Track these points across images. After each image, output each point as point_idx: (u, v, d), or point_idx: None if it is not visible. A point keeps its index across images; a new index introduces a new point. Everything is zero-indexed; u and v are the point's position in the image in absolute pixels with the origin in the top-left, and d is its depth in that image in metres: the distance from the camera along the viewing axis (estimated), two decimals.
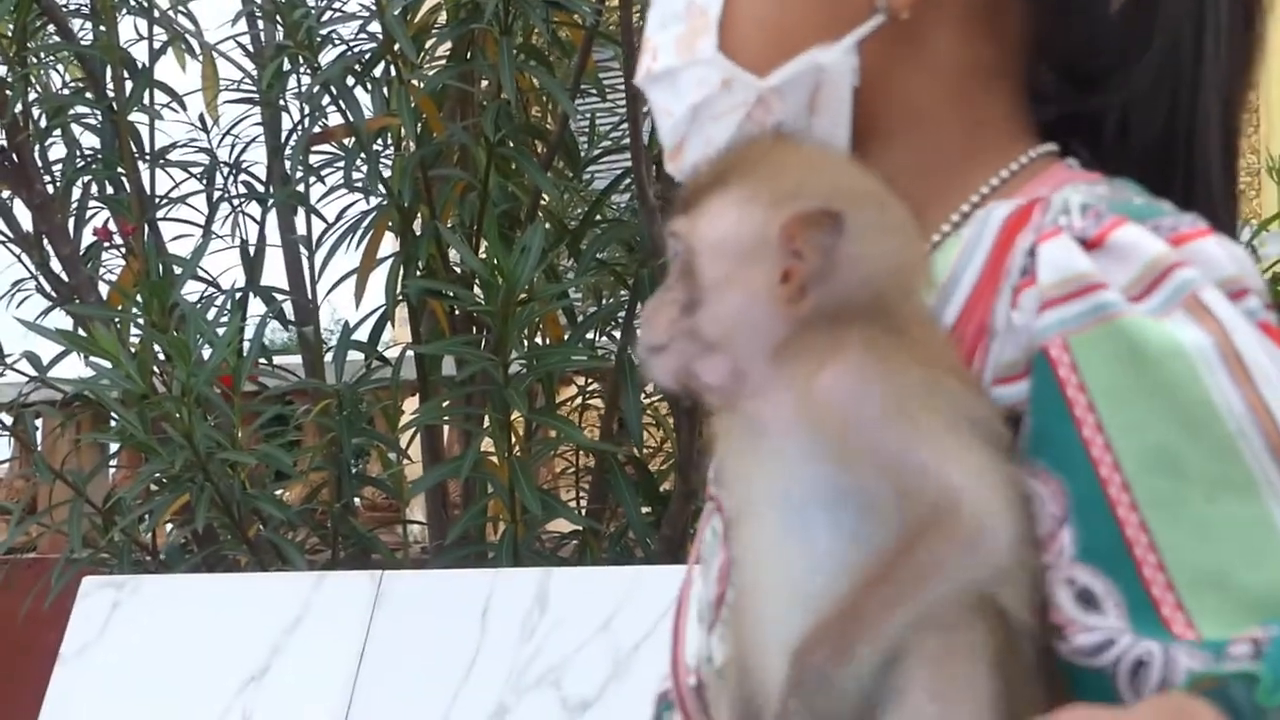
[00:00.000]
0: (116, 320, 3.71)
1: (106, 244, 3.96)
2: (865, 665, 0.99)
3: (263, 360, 4.03)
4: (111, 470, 4.46)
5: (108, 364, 3.32)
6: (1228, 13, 1.27)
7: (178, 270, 3.71)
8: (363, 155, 3.72)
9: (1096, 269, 1.10)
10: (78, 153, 3.98)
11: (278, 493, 3.89)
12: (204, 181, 4.11)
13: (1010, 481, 1.03)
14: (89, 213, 4.04)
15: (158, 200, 4.02)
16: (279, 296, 4.08)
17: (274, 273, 4.21)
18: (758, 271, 1.06)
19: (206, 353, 3.39)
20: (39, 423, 4.40)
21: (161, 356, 3.56)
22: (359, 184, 3.88)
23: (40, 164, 3.98)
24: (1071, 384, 1.08)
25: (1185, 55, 1.27)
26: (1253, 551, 1.03)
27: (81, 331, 3.65)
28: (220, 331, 3.41)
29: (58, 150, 4.03)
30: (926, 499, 1.00)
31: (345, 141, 3.91)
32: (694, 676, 1.36)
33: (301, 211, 4.09)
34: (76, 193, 4.03)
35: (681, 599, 1.44)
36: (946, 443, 1.01)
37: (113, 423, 3.72)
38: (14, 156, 3.87)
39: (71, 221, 4.01)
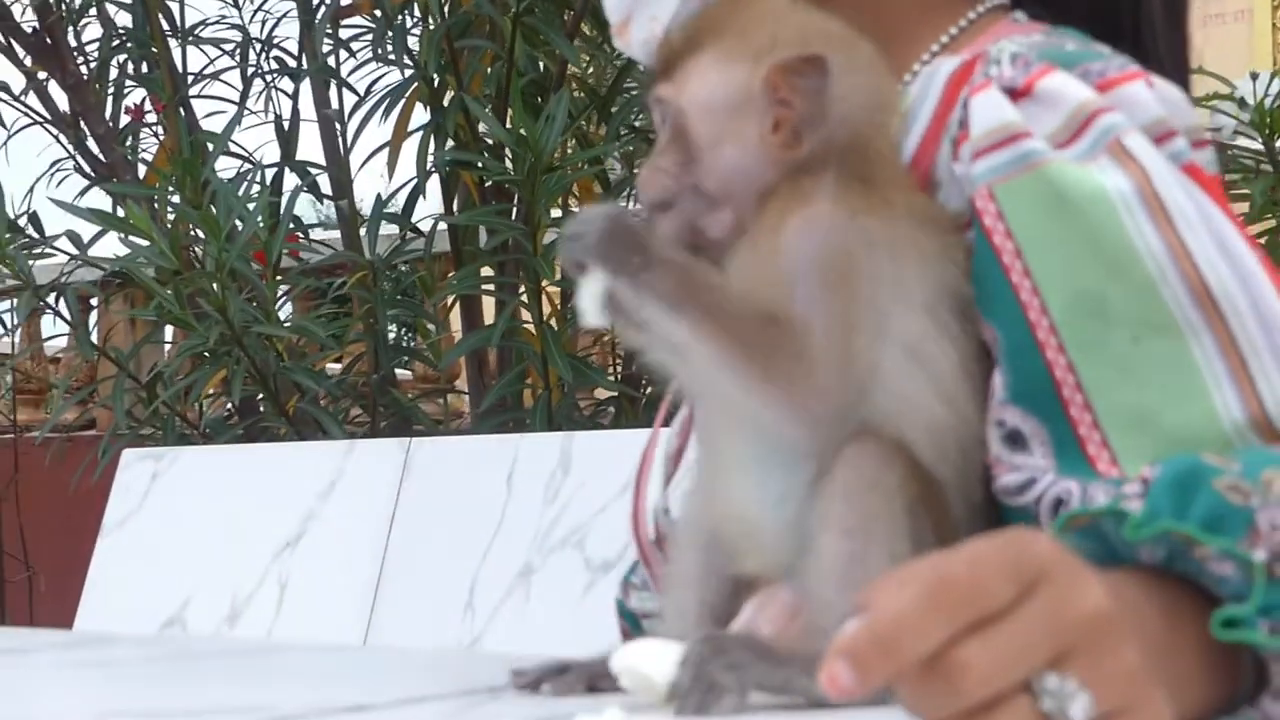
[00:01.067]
0: (154, 198, 3.76)
1: (141, 122, 4.00)
2: (626, 269, 1.06)
3: (300, 235, 4.07)
4: (167, 347, 4.53)
5: (143, 242, 3.37)
6: None
7: (210, 147, 3.74)
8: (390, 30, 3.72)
9: (1021, 118, 1.12)
10: (112, 32, 4.00)
11: (318, 365, 3.94)
12: (236, 58, 4.13)
13: (915, 349, 1.09)
14: (126, 91, 4.07)
15: (189, 78, 4.05)
16: (314, 171, 4.10)
17: (308, 149, 4.24)
18: (749, 124, 1.12)
19: (241, 227, 3.42)
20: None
21: (198, 233, 3.61)
22: (389, 56, 3.88)
23: (74, 44, 4.01)
24: (998, 231, 1.10)
25: None
26: (1175, 391, 1.05)
27: (120, 210, 3.70)
28: (252, 206, 3.44)
29: (91, 30, 4.07)
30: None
31: (376, 14, 3.91)
32: (653, 530, 1.38)
33: (334, 86, 4.10)
34: (113, 72, 4.06)
35: (645, 457, 1.46)
36: (841, 311, 1.07)
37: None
38: (47, 38, 3.90)
39: (109, 101, 4.05)
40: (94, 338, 4.06)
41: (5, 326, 4.88)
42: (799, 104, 1.12)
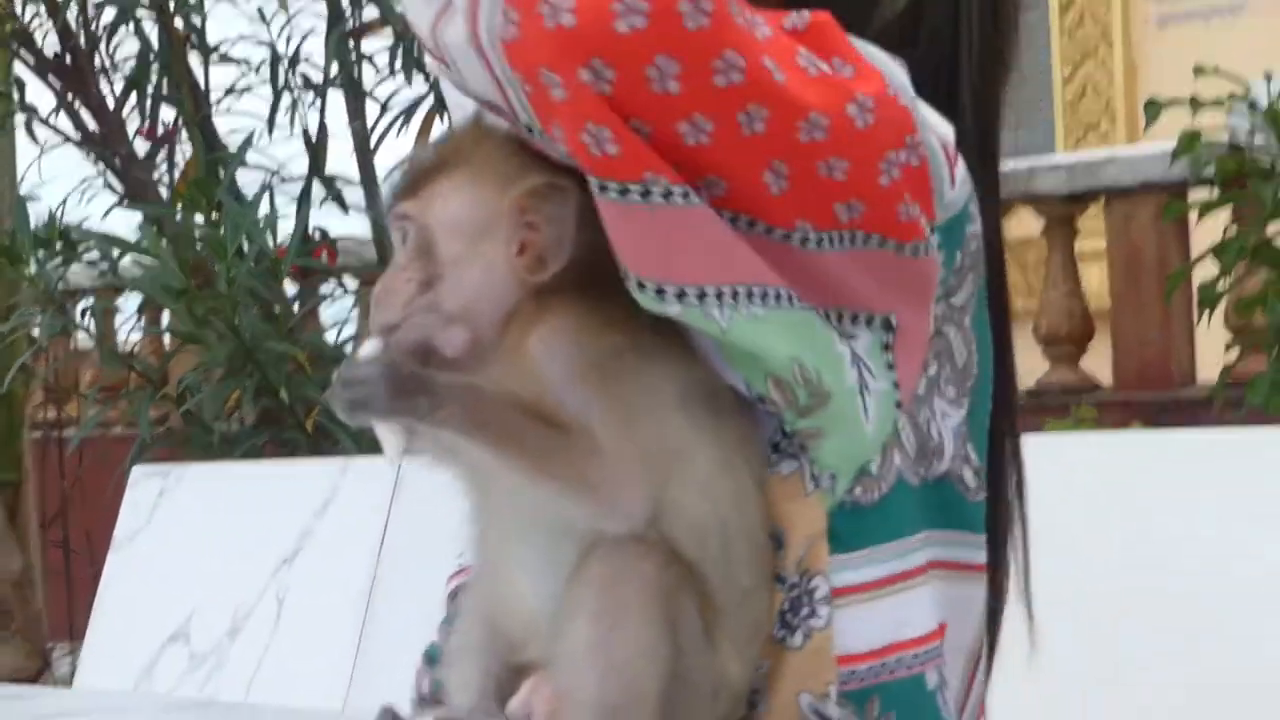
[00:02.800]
0: (178, 215, 3.85)
1: (159, 142, 4.08)
2: (416, 413, 1.08)
3: (329, 247, 4.14)
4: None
5: (153, 260, 3.45)
6: None
7: (223, 168, 3.82)
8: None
9: None
10: (137, 53, 4.09)
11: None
12: (258, 73, 4.20)
13: (672, 449, 1.12)
14: (149, 111, 4.15)
15: (211, 95, 4.13)
16: (340, 184, 4.17)
17: (336, 162, 4.31)
18: (494, 245, 1.14)
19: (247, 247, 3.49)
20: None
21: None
22: (405, 69, 3.95)
23: (101, 65, 4.10)
24: None
25: None
26: None
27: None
28: (260, 221, 3.51)
29: (119, 50, 4.15)
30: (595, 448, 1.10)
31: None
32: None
33: (356, 99, 4.17)
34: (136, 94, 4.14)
35: None
36: (611, 410, 1.10)
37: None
38: (69, 60, 3.99)
39: (135, 122, 4.13)
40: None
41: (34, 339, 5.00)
42: (545, 229, 1.14)
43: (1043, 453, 1.62)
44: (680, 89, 1.06)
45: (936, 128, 1.23)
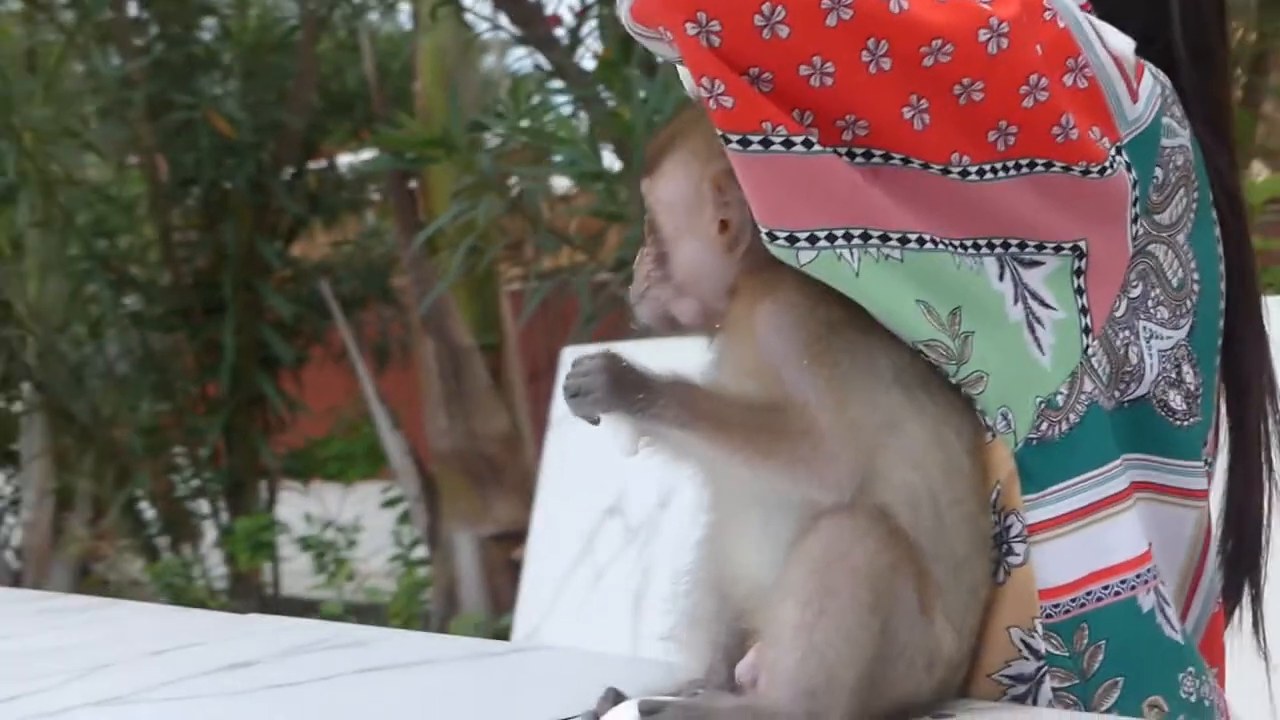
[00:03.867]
0: (602, 96, 3.92)
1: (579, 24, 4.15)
2: (633, 408, 1.15)
3: None
4: None
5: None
6: None
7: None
8: None
9: None
10: None
11: None
12: None
13: (885, 422, 1.16)
14: None
15: None
16: None
17: None
18: (701, 222, 1.21)
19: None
20: None
21: None
22: None
23: None
24: None
25: None
26: None
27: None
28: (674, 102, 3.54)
29: None
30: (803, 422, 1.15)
31: None
32: None
33: None
34: None
35: None
36: (828, 386, 1.15)
37: None
38: None
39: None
40: None
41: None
42: (738, 207, 1.18)
43: None
44: (791, 33, 1.06)
45: (1111, 43, 1.20)
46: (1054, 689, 1.22)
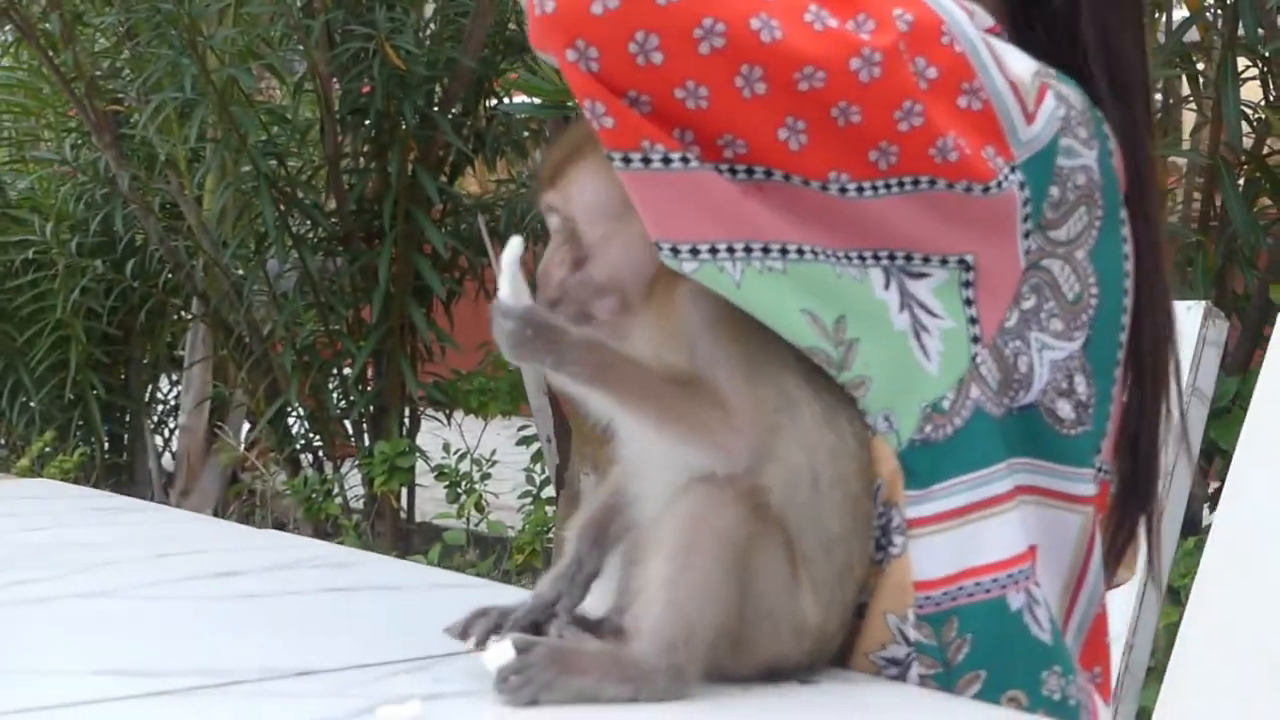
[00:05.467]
0: None
1: None
2: (546, 362, 1.21)
3: None
4: None
5: None
6: None
7: None
8: None
9: None
10: None
11: None
12: None
13: (784, 402, 1.23)
14: None
15: None
16: None
17: None
18: (629, 224, 1.24)
19: None
20: None
21: None
22: None
23: None
24: None
25: None
26: None
27: None
28: None
29: None
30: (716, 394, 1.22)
31: None
32: None
33: None
34: None
35: None
36: (737, 363, 1.22)
37: None
38: None
39: None
40: None
41: None
42: None
43: None
44: (665, 59, 1.11)
45: (1010, 68, 1.25)
46: (920, 675, 1.27)
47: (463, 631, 1.33)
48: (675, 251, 1.17)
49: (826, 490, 1.22)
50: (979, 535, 1.25)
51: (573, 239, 1.30)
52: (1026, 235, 1.26)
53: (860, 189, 1.18)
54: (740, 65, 1.13)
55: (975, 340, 1.25)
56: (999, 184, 1.21)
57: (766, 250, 1.17)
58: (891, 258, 1.21)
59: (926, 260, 1.22)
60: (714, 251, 1.17)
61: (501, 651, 1.20)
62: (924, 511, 1.25)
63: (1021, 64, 1.27)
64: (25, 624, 1.51)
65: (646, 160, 1.14)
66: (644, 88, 1.13)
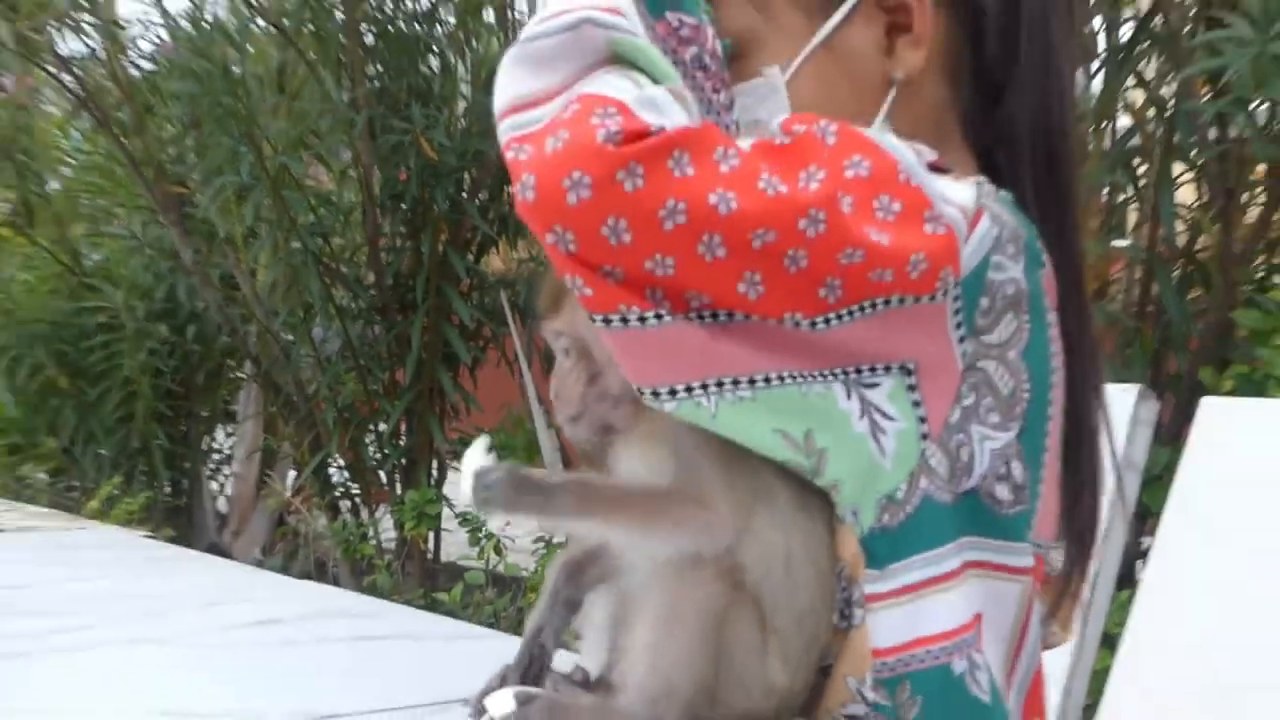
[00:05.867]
0: None
1: None
2: (533, 510, 1.26)
3: None
4: None
5: None
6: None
7: None
8: None
9: None
10: None
11: None
12: None
13: (761, 490, 1.30)
14: None
15: None
16: None
17: None
18: None
19: None
20: None
21: None
22: None
23: None
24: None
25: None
26: None
27: None
28: None
29: None
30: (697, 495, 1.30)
31: None
32: None
33: None
34: None
35: None
36: (717, 455, 1.28)
37: None
38: None
39: None
40: None
41: None
42: None
43: None
44: (634, 238, 1.17)
45: (953, 198, 1.31)
46: None
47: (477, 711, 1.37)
48: (655, 394, 1.23)
49: (799, 568, 1.29)
50: (929, 608, 1.32)
51: (585, 356, 1.33)
52: (961, 340, 1.32)
53: (813, 324, 1.24)
54: (701, 235, 1.18)
55: (924, 437, 1.31)
56: (932, 297, 1.28)
57: (736, 383, 1.24)
58: (846, 373, 1.27)
59: (873, 370, 1.28)
60: (689, 390, 1.23)
61: (504, 701, 1.29)
62: (881, 588, 1.31)
63: (960, 194, 1.32)
64: (80, 668, 1.56)
65: (624, 320, 1.20)
66: (617, 262, 1.18)
